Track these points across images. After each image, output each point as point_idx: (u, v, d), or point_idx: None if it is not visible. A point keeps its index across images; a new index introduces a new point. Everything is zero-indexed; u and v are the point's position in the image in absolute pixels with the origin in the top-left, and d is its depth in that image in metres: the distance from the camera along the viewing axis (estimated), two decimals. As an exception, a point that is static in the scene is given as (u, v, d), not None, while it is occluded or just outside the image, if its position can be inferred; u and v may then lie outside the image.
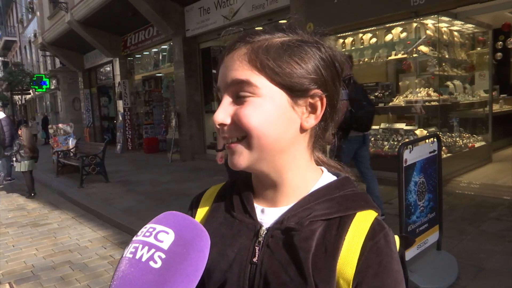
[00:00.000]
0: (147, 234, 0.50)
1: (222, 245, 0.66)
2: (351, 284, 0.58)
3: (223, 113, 0.62)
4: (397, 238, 0.84)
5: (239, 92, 0.61)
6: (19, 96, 28.37)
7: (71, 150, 9.58)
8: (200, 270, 0.51)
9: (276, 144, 0.61)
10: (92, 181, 8.05)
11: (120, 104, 13.59)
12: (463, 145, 6.42)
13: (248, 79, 0.60)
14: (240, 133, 0.61)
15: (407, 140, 5.51)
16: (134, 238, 0.51)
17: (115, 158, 11.51)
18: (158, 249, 0.48)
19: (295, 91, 0.61)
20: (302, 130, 0.64)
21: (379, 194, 4.22)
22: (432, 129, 6.10)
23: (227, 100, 0.62)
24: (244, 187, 0.71)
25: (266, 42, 0.61)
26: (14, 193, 8.11)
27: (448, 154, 5.93)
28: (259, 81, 0.60)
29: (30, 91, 26.29)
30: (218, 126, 0.62)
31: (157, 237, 0.50)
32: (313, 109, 0.63)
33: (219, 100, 0.66)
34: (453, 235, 3.75)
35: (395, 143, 6.07)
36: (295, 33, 0.64)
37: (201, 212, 0.75)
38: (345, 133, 4.00)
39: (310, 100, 0.62)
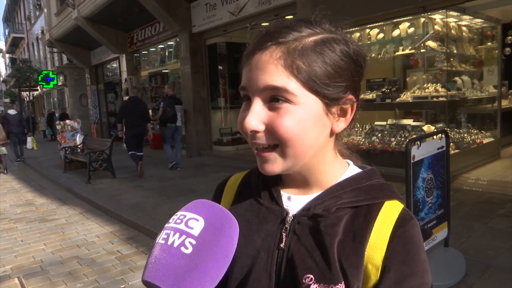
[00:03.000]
0: (178, 221, 0.52)
1: (248, 231, 0.67)
2: (379, 269, 0.59)
3: (255, 119, 0.59)
4: None
5: (274, 98, 0.58)
6: (27, 93, 28.58)
7: (79, 146, 9.65)
8: (230, 256, 0.53)
9: (310, 151, 0.62)
10: (100, 177, 8.11)
11: (126, 100, 13.64)
12: (471, 141, 6.36)
13: (285, 86, 0.57)
14: (274, 140, 0.60)
15: (414, 136, 5.47)
16: (166, 225, 0.53)
17: (122, 154, 11.55)
18: (189, 235, 0.50)
19: (331, 99, 0.60)
20: (332, 133, 0.65)
21: (180, 156, 8.70)
22: (440, 125, 6.05)
23: (258, 105, 0.60)
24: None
25: (300, 44, 0.58)
26: (22, 189, 8.20)
27: (456, 150, 5.88)
28: (297, 88, 0.58)
29: (38, 88, 26.48)
30: (249, 133, 0.60)
31: (188, 224, 0.51)
32: (343, 112, 0.63)
33: (242, 99, 0.64)
34: (461, 232, 3.72)
35: (402, 139, 6.04)
36: (323, 28, 0.62)
37: (226, 198, 0.77)
38: (164, 124, 8.21)
39: (343, 106, 0.63)
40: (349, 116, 0.64)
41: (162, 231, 0.52)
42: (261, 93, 0.59)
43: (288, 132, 0.58)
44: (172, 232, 0.51)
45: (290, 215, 0.66)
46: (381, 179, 0.68)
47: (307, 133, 0.59)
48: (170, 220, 0.54)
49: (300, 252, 0.63)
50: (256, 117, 0.59)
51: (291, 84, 0.57)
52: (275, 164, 0.61)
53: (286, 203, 0.68)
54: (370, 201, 0.63)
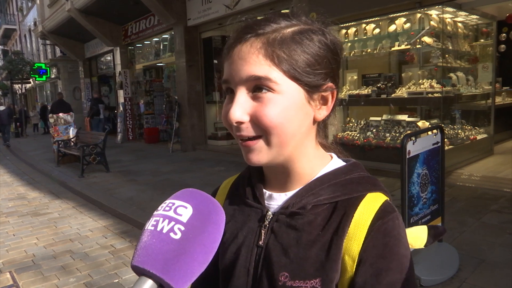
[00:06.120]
0: (167, 208, 0.53)
1: (234, 229, 0.70)
2: (356, 261, 0.58)
3: (240, 110, 0.59)
4: (425, 228, 0.84)
5: (257, 88, 0.59)
6: (19, 85, 28.27)
7: (72, 140, 9.56)
8: (217, 242, 0.54)
9: (293, 140, 0.62)
10: (93, 171, 8.06)
11: (121, 93, 13.54)
12: (465, 137, 6.40)
13: (267, 75, 0.58)
14: (258, 131, 0.60)
15: (409, 131, 5.48)
16: (155, 212, 0.54)
17: (115, 148, 11.51)
18: (178, 222, 0.51)
19: (312, 87, 0.61)
20: (314, 121, 0.65)
21: None
22: (434, 121, 6.06)
23: (242, 96, 0.60)
24: (256, 175, 0.73)
25: (279, 35, 0.59)
26: (14, 183, 8.12)
27: (450, 146, 5.91)
28: (278, 77, 0.58)
29: (30, 80, 26.18)
30: (235, 124, 0.60)
31: (176, 211, 0.53)
32: (324, 101, 0.64)
33: (225, 92, 0.64)
34: (455, 227, 3.75)
35: (397, 134, 6.05)
36: (300, 20, 0.63)
37: (218, 201, 0.78)
38: (92, 117, 13.56)
39: (323, 93, 0.63)
40: (330, 104, 0.65)
41: (151, 218, 0.53)
42: (244, 84, 0.60)
43: (273, 121, 0.58)
44: (161, 219, 0.52)
45: (270, 213, 0.67)
46: (363, 172, 0.67)
47: (290, 122, 0.60)
48: (159, 208, 0.55)
49: (277, 250, 0.63)
50: (240, 108, 0.59)
51: (273, 73, 0.58)
52: (260, 154, 0.62)
53: (267, 201, 0.69)
54: (347, 195, 0.63)
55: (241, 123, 0.60)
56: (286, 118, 0.59)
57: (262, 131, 0.60)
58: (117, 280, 3.40)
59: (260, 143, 0.61)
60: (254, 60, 0.58)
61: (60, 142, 9.32)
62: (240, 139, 0.62)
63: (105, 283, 3.36)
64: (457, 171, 5.72)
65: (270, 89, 0.58)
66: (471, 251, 3.26)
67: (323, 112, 0.64)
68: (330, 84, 0.63)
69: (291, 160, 0.65)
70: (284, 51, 0.58)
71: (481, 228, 3.77)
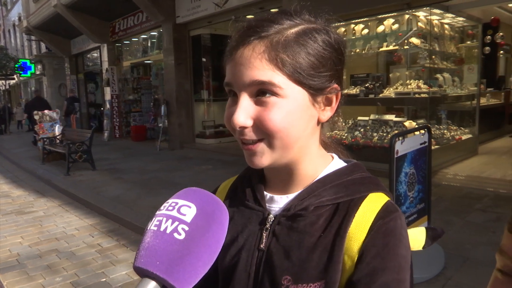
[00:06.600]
0: (170, 208, 0.52)
1: (234, 232, 0.69)
2: (355, 260, 0.58)
3: (244, 115, 0.59)
4: (423, 230, 0.84)
5: (260, 92, 0.58)
6: (3, 82, 27.71)
7: (57, 137, 9.41)
8: (221, 242, 0.53)
9: (297, 142, 0.62)
10: (79, 169, 7.94)
11: (107, 91, 13.38)
12: (450, 138, 6.51)
13: (271, 80, 0.57)
14: (262, 135, 0.60)
15: (396, 131, 5.54)
16: (157, 212, 0.53)
17: (102, 145, 11.37)
18: (182, 221, 0.50)
19: (316, 89, 0.61)
20: (318, 123, 0.65)
21: None
22: (421, 121, 6.15)
23: (246, 100, 0.59)
24: (256, 176, 0.72)
25: (282, 37, 0.58)
26: (-2, 180, 7.96)
27: (436, 146, 5.99)
28: (282, 81, 0.58)
29: (14, 76, 25.65)
30: (238, 129, 0.60)
31: (180, 210, 0.52)
32: (328, 101, 0.64)
33: (228, 94, 0.63)
34: (440, 226, 3.80)
35: (384, 134, 6.12)
36: (303, 19, 0.61)
37: None
38: (68, 115, 13.01)
39: (327, 95, 0.63)
40: (334, 104, 0.64)
41: (154, 218, 0.52)
42: (247, 88, 0.59)
43: (277, 125, 0.58)
44: (164, 219, 0.51)
45: (271, 215, 0.66)
46: (365, 173, 0.67)
47: (294, 125, 0.59)
48: (162, 207, 0.53)
49: (279, 253, 0.63)
50: (244, 112, 0.59)
51: (277, 78, 0.57)
52: (264, 157, 0.61)
53: (268, 204, 0.68)
54: (350, 196, 0.62)
55: (245, 127, 0.59)
56: (290, 122, 0.59)
57: (265, 135, 0.59)
58: (104, 279, 3.36)
59: (262, 145, 0.60)
60: (258, 65, 0.57)
61: (45, 139, 9.17)
62: (242, 143, 0.62)
63: (92, 282, 3.33)
64: (442, 171, 5.81)
65: (274, 94, 0.58)
66: (456, 249, 3.32)
67: (327, 113, 0.64)
68: (335, 85, 0.62)
69: (295, 161, 0.65)
70: (288, 54, 0.58)
71: (466, 227, 3.84)
